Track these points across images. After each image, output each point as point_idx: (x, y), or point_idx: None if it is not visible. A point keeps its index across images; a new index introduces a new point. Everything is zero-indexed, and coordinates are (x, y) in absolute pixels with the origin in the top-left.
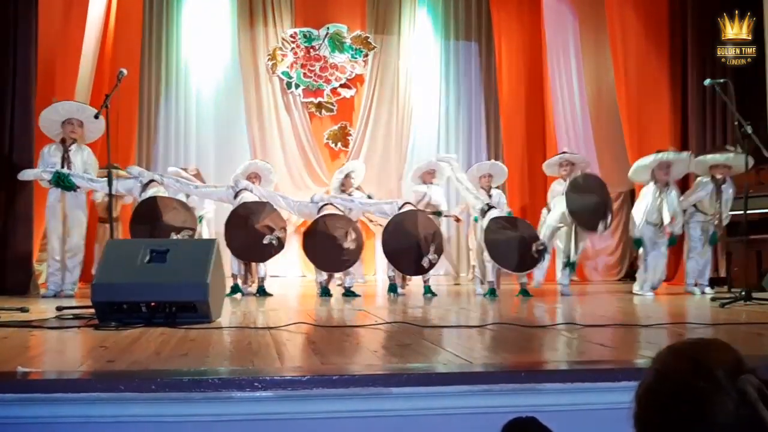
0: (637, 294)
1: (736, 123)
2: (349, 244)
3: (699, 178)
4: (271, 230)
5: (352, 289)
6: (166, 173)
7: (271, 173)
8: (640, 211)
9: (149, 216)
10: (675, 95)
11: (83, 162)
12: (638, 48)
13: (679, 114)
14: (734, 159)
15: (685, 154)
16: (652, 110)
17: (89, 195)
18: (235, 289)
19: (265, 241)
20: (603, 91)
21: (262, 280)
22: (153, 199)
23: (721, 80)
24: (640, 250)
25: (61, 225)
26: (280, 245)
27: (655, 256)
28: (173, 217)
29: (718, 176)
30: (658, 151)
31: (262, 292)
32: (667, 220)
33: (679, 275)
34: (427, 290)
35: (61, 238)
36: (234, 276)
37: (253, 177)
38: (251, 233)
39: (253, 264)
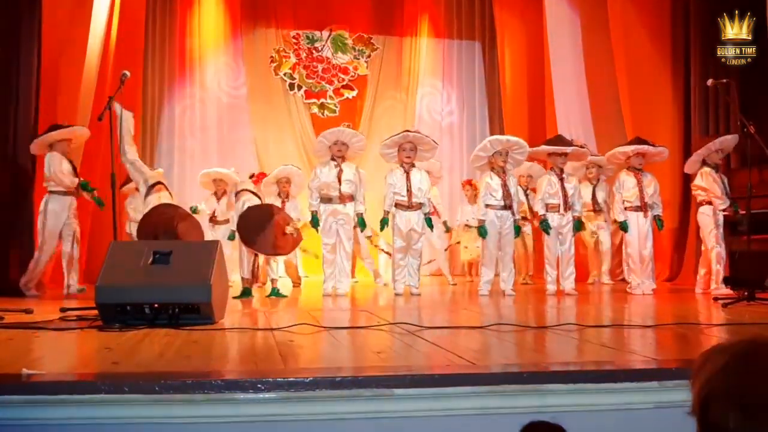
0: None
1: (739, 122)
2: (290, 230)
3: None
4: (287, 222)
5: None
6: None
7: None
8: (621, 197)
9: (160, 225)
10: (677, 93)
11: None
12: (640, 46)
13: (681, 111)
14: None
15: (662, 149)
16: (655, 108)
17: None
18: (247, 292)
19: (287, 231)
20: (605, 89)
21: (274, 281)
22: (167, 207)
23: (724, 80)
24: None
25: (63, 229)
26: (299, 235)
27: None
28: (185, 229)
29: (718, 162)
30: (638, 141)
31: (275, 293)
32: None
33: (682, 274)
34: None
35: (71, 241)
36: (245, 279)
37: (285, 182)
38: (272, 228)
39: (263, 265)
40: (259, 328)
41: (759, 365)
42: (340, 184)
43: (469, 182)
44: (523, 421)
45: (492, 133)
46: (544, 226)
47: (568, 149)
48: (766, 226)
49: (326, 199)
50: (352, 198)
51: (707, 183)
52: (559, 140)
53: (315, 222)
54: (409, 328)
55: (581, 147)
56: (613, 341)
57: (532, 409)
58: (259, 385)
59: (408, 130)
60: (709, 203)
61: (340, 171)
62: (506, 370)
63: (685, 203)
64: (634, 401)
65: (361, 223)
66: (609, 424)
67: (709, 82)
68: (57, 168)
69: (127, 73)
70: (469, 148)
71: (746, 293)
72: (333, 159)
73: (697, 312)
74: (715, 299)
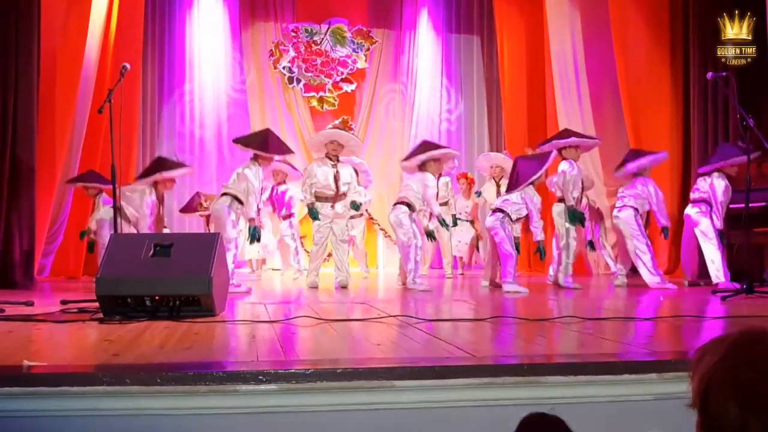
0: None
1: (738, 116)
2: None
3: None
4: None
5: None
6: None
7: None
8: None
9: None
10: (677, 88)
11: None
12: (640, 40)
13: (681, 106)
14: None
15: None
16: (655, 103)
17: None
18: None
19: None
20: (605, 83)
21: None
22: None
23: (723, 73)
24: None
25: None
26: None
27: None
28: None
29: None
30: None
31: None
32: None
33: (680, 268)
34: None
35: None
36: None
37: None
38: None
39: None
40: (260, 320)
41: (757, 355)
42: (337, 186)
43: (464, 175)
44: (522, 413)
45: (490, 127)
46: (581, 218)
47: (591, 141)
48: (764, 219)
49: (322, 198)
50: (346, 196)
51: (718, 191)
52: (571, 133)
53: (314, 214)
54: (408, 320)
55: (594, 138)
56: (613, 333)
57: (531, 401)
58: (260, 377)
59: (337, 126)
60: (706, 202)
61: (337, 173)
62: (506, 362)
63: (684, 197)
64: (633, 393)
65: (354, 207)
66: (608, 416)
67: (709, 74)
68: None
69: (127, 65)
70: (468, 141)
71: (745, 286)
72: (329, 158)
73: (697, 304)
74: (714, 292)
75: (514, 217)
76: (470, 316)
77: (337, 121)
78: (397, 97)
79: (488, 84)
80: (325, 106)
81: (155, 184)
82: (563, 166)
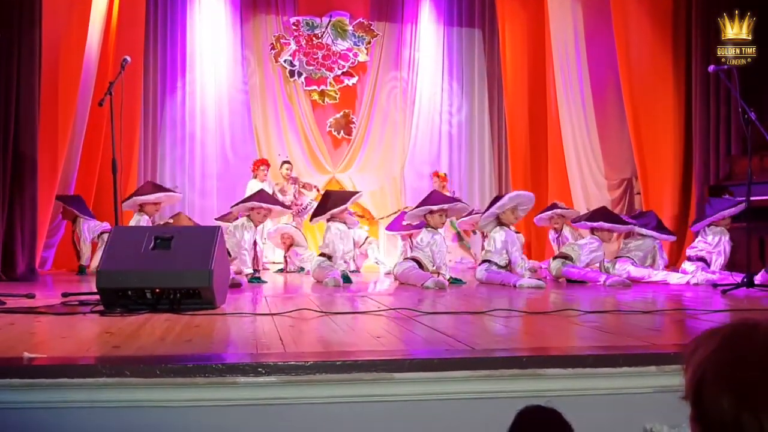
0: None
1: (740, 109)
2: None
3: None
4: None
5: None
6: None
7: None
8: None
9: None
10: (679, 82)
11: None
12: (642, 35)
13: (683, 100)
14: None
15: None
16: (657, 98)
17: None
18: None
19: None
20: (607, 77)
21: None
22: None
23: (725, 66)
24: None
25: None
26: None
27: None
28: None
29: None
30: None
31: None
32: None
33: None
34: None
35: None
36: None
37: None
38: None
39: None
40: (259, 313)
41: (750, 347)
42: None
43: (436, 173)
44: (520, 406)
45: (491, 121)
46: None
47: (623, 227)
48: (766, 213)
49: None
50: None
51: (714, 243)
52: (606, 217)
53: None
54: (408, 313)
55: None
56: (612, 326)
57: (530, 394)
58: (259, 369)
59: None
60: (701, 259)
61: None
62: (505, 354)
63: (685, 190)
64: (632, 386)
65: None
66: (608, 409)
67: (711, 67)
68: None
69: (128, 58)
70: (469, 134)
71: (745, 279)
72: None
73: (697, 298)
74: (715, 286)
75: (502, 263)
76: (470, 310)
77: (338, 115)
78: (399, 90)
79: (489, 77)
80: (327, 99)
81: (142, 208)
82: (591, 243)
